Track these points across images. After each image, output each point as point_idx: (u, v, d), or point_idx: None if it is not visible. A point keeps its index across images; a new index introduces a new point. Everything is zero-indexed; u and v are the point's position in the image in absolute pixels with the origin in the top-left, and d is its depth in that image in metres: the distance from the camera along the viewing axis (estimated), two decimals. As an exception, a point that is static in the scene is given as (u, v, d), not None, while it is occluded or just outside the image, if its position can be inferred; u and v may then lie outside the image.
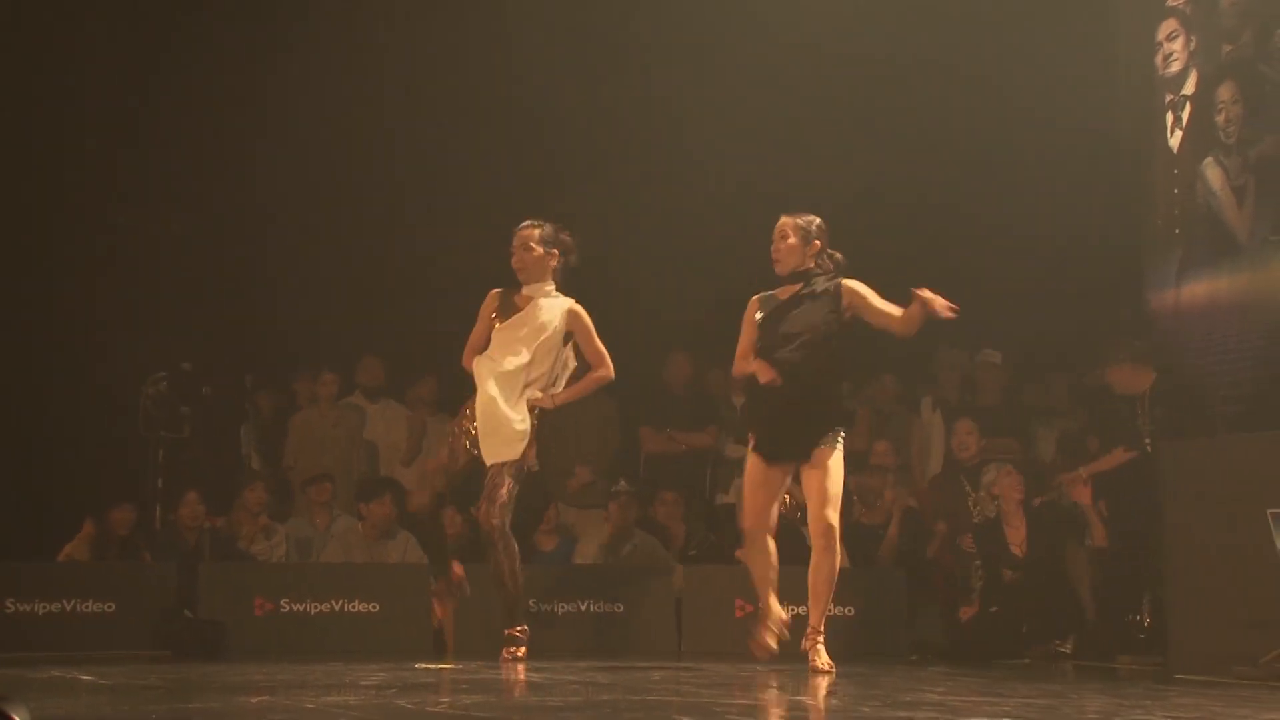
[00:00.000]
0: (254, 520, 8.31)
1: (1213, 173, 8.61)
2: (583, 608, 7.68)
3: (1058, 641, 7.40)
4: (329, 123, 9.75)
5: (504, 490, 6.29)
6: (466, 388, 9.48)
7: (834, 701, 4.41)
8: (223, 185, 9.75)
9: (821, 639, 5.95)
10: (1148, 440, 7.62)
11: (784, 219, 6.16)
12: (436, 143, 9.82)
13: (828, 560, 5.93)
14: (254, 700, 4.24)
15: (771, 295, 6.17)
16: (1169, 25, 8.99)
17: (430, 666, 6.12)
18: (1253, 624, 6.19)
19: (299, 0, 9.69)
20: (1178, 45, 8.93)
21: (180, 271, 9.57)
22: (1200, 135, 8.76)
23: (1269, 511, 6.32)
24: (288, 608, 7.59)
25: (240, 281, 9.78)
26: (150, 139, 9.67)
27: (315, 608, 7.60)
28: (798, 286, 6.08)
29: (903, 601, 7.82)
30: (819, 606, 5.99)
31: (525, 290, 6.46)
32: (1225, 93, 8.56)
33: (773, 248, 6.13)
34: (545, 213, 9.52)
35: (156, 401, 8.51)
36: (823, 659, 5.87)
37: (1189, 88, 8.88)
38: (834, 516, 5.95)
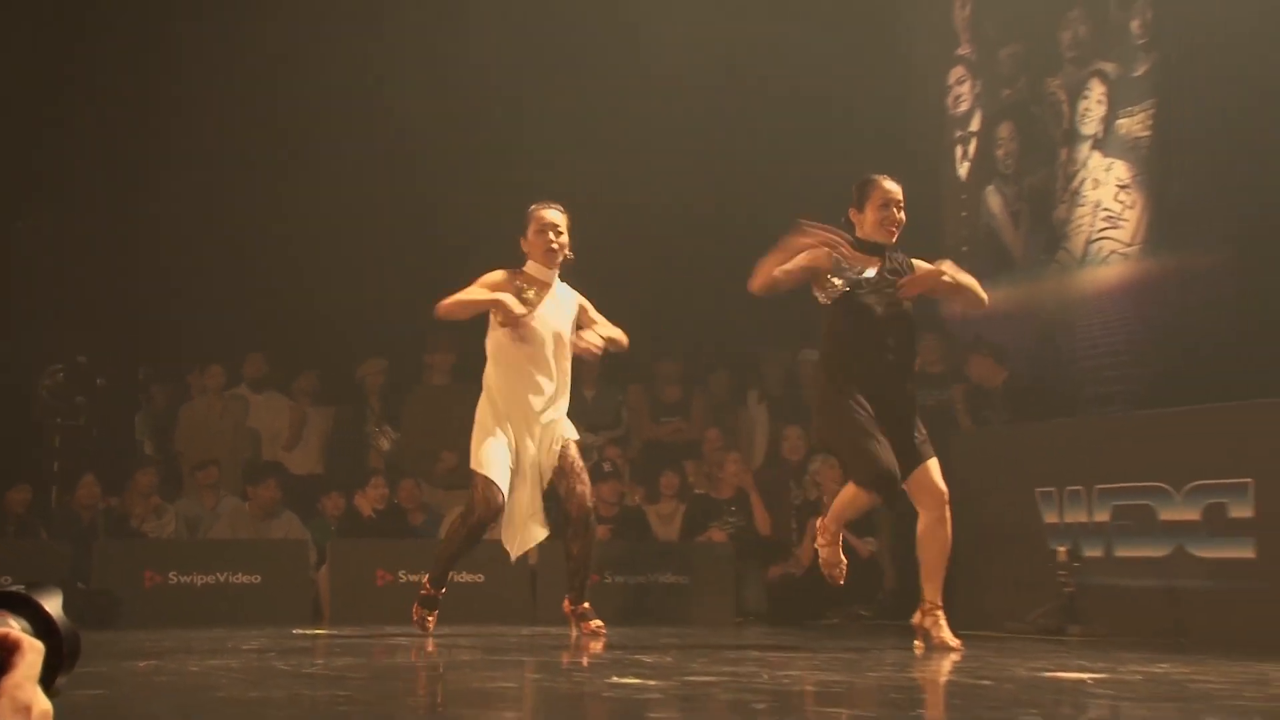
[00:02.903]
0: (145, 500, 8.10)
1: (993, 199, 8.88)
2: (447, 577, 7.62)
3: (860, 605, 7.52)
4: (219, 132, 9.57)
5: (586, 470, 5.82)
6: (346, 381, 9.42)
7: (668, 660, 4.43)
8: (119, 191, 9.52)
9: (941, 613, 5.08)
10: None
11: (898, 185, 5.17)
12: (318, 153, 9.65)
13: (941, 532, 5.08)
14: (142, 664, 4.15)
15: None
16: (957, 71, 9.25)
17: (307, 632, 6.03)
18: (1022, 586, 6.39)
19: (197, 10, 9.46)
20: (965, 89, 9.19)
21: (78, 270, 9.34)
22: (983, 166, 9.03)
23: (1036, 490, 6.53)
24: (175, 580, 7.40)
25: (134, 280, 9.55)
26: (51, 144, 9.38)
27: (201, 579, 7.43)
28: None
29: (730, 571, 7.88)
30: (935, 579, 5.12)
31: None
32: (1004, 131, 8.83)
33: (899, 214, 5.11)
34: (417, 214, 9.48)
35: (53, 391, 8.28)
36: (948, 635, 5.02)
37: (974, 125, 9.14)
38: None
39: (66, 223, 9.47)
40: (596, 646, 5.23)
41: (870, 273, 5.05)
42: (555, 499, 5.80)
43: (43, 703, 1.06)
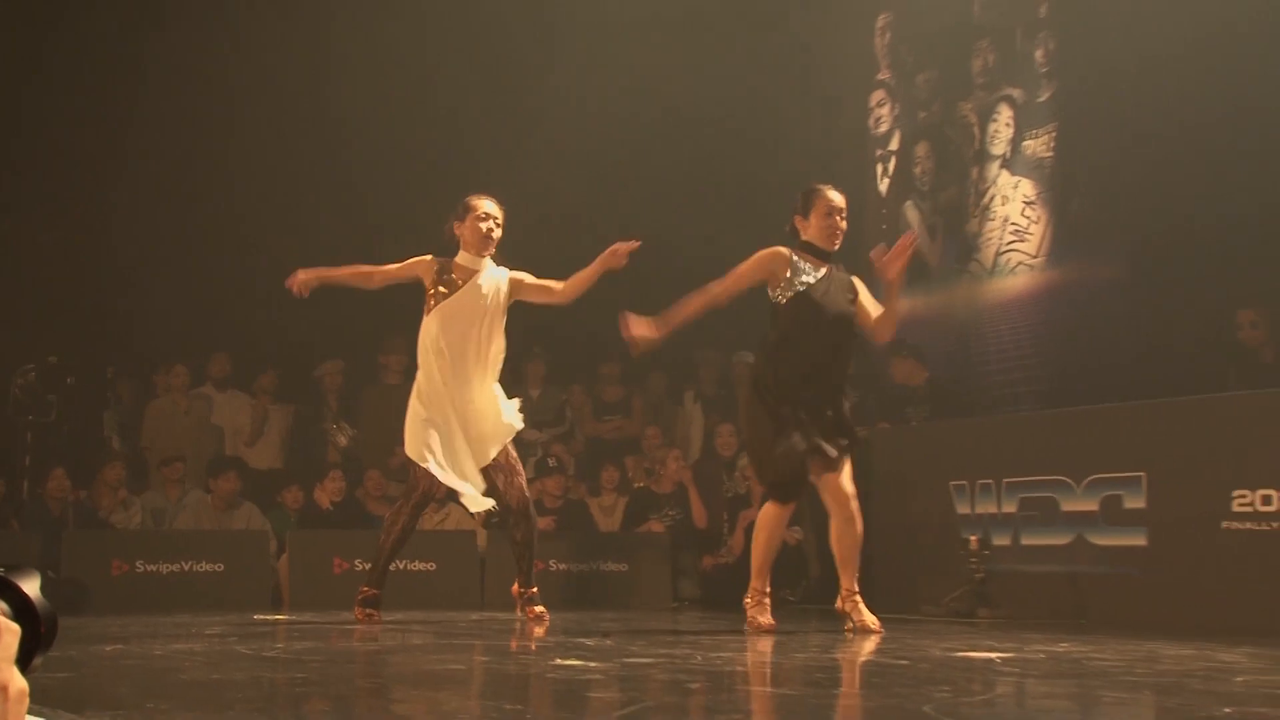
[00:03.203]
0: (113, 493, 8.00)
1: (911, 213, 8.97)
2: (401, 566, 7.58)
3: (787, 590, 7.55)
4: (181, 149, 9.46)
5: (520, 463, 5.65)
6: (305, 380, 9.33)
7: (608, 643, 4.43)
8: (85, 199, 9.40)
9: (859, 598, 5.08)
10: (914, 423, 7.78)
11: (842, 195, 5.12)
12: (275, 166, 9.56)
13: (852, 529, 5.06)
14: (109, 648, 4.09)
15: (805, 265, 5.05)
16: (878, 95, 9.35)
17: (267, 618, 5.96)
18: (937, 572, 6.46)
19: (158, 21, 9.32)
20: (885, 111, 9.29)
21: (50, 275, 9.20)
22: (902, 183, 9.12)
23: (950, 483, 6.60)
24: (142, 568, 7.30)
25: (103, 285, 9.42)
26: (18, 154, 9.22)
27: (166, 568, 7.33)
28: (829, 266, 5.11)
29: (667, 560, 7.90)
30: (850, 569, 5.10)
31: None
32: (921, 150, 8.94)
33: (841, 223, 5.07)
34: (370, 224, 9.39)
35: (26, 390, 8.15)
36: (868, 617, 5.02)
37: (894, 145, 9.23)
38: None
39: (38, 230, 9.34)
40: (539, 630, 5.21)
41: (819, 274, 5.02)
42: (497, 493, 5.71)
43: (19, 682, 1.04)
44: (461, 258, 5.58)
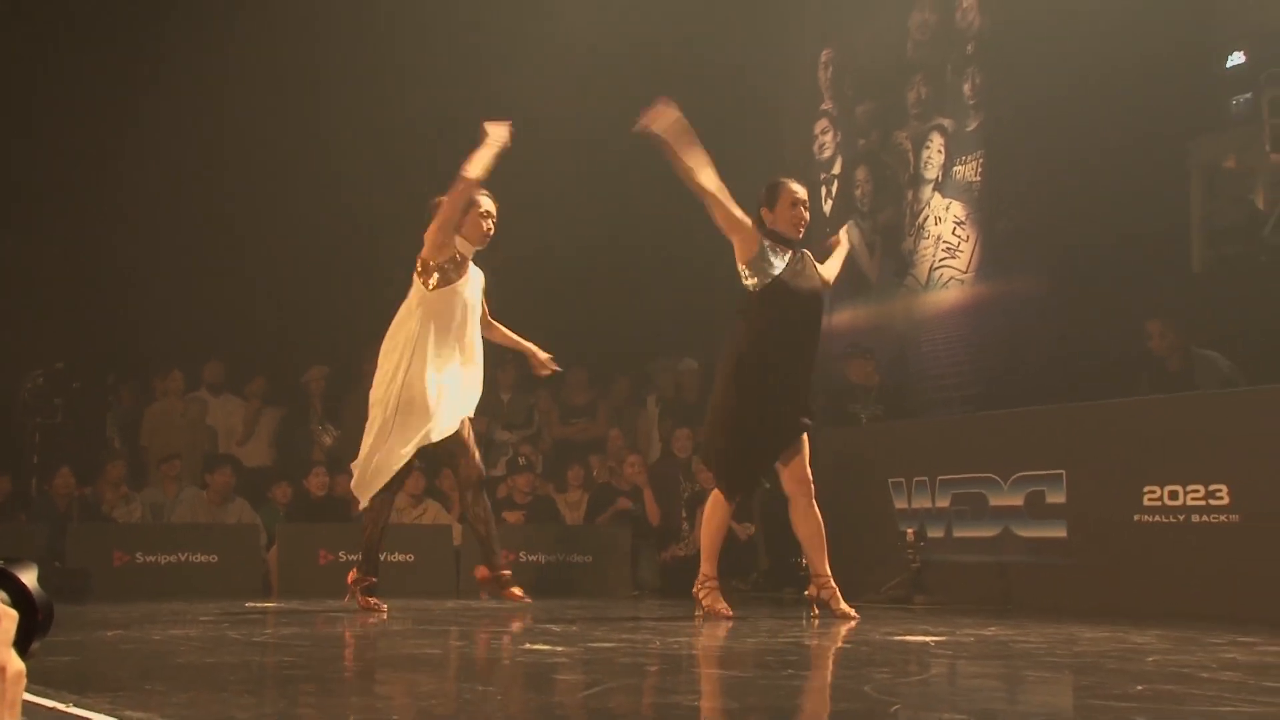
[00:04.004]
0: (115, 489, 7.91)
1: (853, 232, 9.00)
2: (383, 558, 7.51)
3: (738, 580, 7.55)
4: (177, 169, 9.36)
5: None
6: (292, 385, 9.25)
7: (574, 629, 4.41)
8: (88, 215, 9.30)
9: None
10: (864, 417, 7.77)
11: (803, 187, 5.07)
12: (264, 185, 9.47)
13: (813, 513, 4.99)
14: (110, 634, 4.04)
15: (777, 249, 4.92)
16: (822, 123, 9.39)
17: (258, 605, 5.90)
18: (876, 562, 6.47)
19: (156, 31, 9.18)
20: (828, 139, 9.33)
21: (57, 287, 9.11)
22: (844, 204, 9.17)
23: (889, 480, 6.62)
24: (141, 559, 7.22)
25: (107, 296, 9.33)
26: (19, 170, 9.10)
27: (164, 559, 7.25)
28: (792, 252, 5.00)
29: (627, 551, 7.88)
30: (820, 553, 5.01)
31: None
32: (860, 174, 8.98)
33: (805, 212, 5.00)
34: (356, 238, 9.31)
35: (34, 394, 8.09)
36: (845, 605, 4.94)
37: (837, 169, 9.27)
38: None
39: (45, 243, 9.23)
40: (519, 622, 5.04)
41: (786, 259, 4.93)
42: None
43: (16, 664, 1.03)
44: (460, 244, 5.32)
